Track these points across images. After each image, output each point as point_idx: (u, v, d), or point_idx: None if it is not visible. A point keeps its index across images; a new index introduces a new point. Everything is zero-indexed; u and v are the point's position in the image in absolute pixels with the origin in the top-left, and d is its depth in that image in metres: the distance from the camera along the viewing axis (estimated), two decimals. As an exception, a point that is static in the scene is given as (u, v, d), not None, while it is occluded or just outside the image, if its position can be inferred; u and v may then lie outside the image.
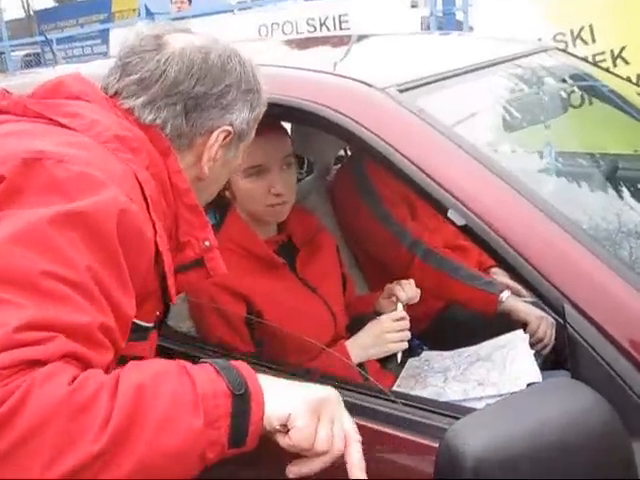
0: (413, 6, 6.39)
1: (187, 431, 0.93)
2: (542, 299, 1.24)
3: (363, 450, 1.10)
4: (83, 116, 1.23)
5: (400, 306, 1.90)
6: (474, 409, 1.39)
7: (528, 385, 1.56)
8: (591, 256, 1.23)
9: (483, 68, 1.85)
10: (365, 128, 1.41)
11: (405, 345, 1.86)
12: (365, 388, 1.45)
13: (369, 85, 1.52)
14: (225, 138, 1.34)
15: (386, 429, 1.33)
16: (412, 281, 1.95)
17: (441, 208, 1.33)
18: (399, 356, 1.89)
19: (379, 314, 1.96)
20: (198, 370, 1.00)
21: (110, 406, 0.89)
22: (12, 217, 0.99)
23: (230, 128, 1.34)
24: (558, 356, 2.02)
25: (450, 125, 1.46)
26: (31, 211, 1.00)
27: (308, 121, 1.55)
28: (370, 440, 1.19)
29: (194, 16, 7.42)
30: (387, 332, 1.85)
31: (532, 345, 1.87)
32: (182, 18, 7.15)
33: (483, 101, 1.90)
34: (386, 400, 1.37)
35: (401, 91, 1.51)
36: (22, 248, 0.95)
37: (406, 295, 1.92)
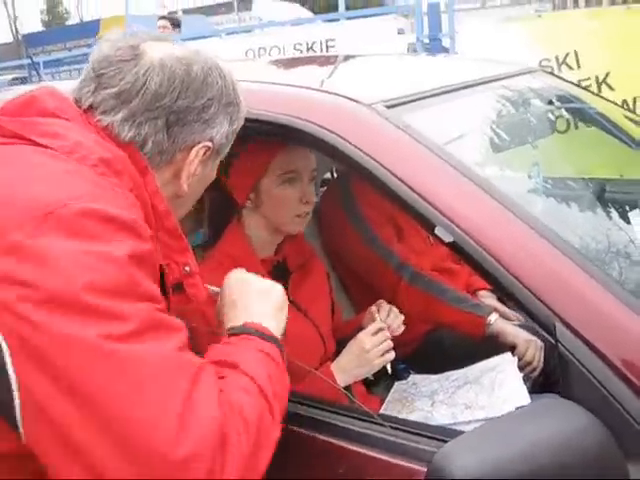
0: (400, 32, 6.44)
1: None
2: (532, 317, 1.21)
3: (349, 475, 1.07)
4: (64, 136, 1.17)
5: (377, 316, 1.85)
6: (462, 432, 1.36)
7: (516, 409, 1.52)
8: (583, 273, 1.21)
9: (470, 87, 1.84)
10: (351, 144, 1.39)
11: (392, 356, 1.81)
12: (352, 411, 1.42)
13: (355, 101, 1.50)
14: (205, 153, 1.30)
15: (374, 453, 1.29)
16: (394, 309, 1.90)
17: (428, 225, 1.30)
18: (388, 367, 1.85)
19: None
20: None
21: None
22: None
23: (210, 143, 1.30)
24: (547, 379, 2.00)
25: (437, 141, 1.44)
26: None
27: (293, 138, 1.52)
28: (357, 465, 1.15)
29: (182, 40, 7.43)
30: (367, 350, 1.80)
31: (521, 368, 1.85)
32: (171, 42, 7.15)
33: (470, 119, 1.89)
34: (374, 423, 1.34)
35: (388, 107, 1.49)
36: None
37: (385, 314, 1.87)
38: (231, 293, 1.37)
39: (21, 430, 0.96)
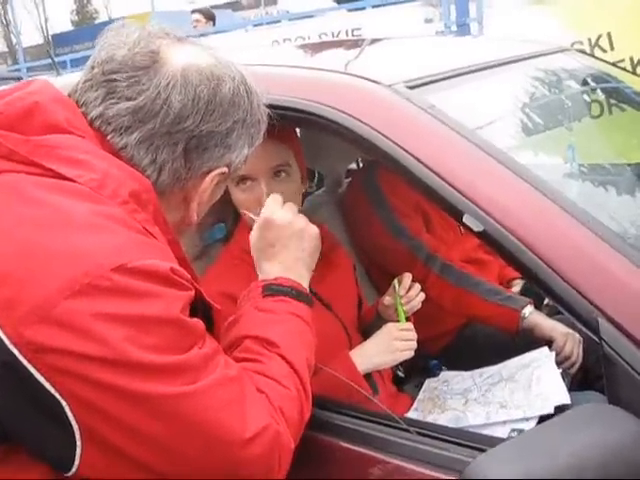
0: (427, 21, 6.33)
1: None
2: (573, 313, 1.11)
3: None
4: (91, 166, 1.05)
5: (397, 288, 1.82)
6: (497, 438, 1.27)
7: (556, 407, 1.48)
8: (628, 263, 1.10)
9: (499, 66, 1.74)
10: (369, 126, 1.29)
11: (412, 354, 1.76)
12: (374, 415, 1.35)
13: (375, 81, 1.40)
14: (219, 179, 1.20)
15: (398, 461, 1.22)
16: (417, 284, 1.84)
17: (456, 213, 1.21)
18: (400, 372, 1.87)
19: (382, 319, 1.88)
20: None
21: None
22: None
23: (226, 169, 1.20)
24: (587, 375, 1.93)
25: (465, 123, 1.34)
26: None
27: (308, 122, 1.42)
28: (381, 474, 1.07)
29: (209, 34, 7.41)
30: (394, 337, 1.76)
31: (559, 364, 1.79)
32: (202, 35, 7.14)
33: (500, 100, 1.80)
34: (398, 429, 1.26)
35: (410, 87, 1.39)
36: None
37: (405, 288, 1.82)
38: (270, 231, 1.38)
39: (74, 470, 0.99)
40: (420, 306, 1.84)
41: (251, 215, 1.44)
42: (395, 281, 1.84)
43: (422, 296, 1.83)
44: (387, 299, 1.85)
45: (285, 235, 1.37)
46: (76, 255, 0.96)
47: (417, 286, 1.83)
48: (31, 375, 0.93)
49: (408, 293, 1.82)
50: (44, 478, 1.01)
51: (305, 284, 1.36)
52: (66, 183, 1.03)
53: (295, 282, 1.33)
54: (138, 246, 1.01)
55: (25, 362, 0.92)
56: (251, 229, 1.44)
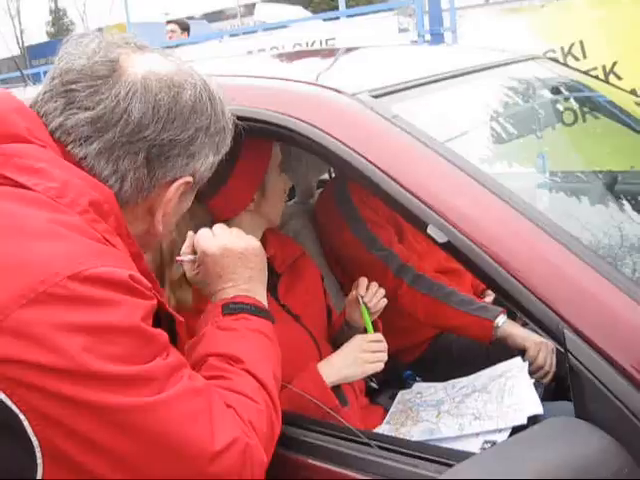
0: (402, 30, 6.34)
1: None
2: (539, 325, 1.09)
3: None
4: (49, 175, 1.03)
5: (362, 303, 1.81)
6: (462, 452, 1.25)
7: (529, 418, 1.47)
8: (594, 273, 1.09)
9: (467, 74, 1.72)
10: (333, 137, 1.27)
11: (381, 366, 1.75)
12: (338, 430, 1.33)
13: (337, 91, 1.39)
14: (184, 189, 1.17)
15: (362, 476, 1.20)
16: (374, 283, 1.86)
17: (420, 224, 1.19)
18: (374, 384, 1.85)
19: (350, 326, 1.89)
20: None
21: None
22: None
23: (191, 178, 1.17)
24: (561, 385, 1.92)
25: (429, 133, 1.32)
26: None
27: (272, 133, 1.40)
28: None
29: (183, 44, 7.39)
30: (363, 350, 1.74)
31: (532, 373, 1.80)
32: (176, 46, 7.12)
33: (467, 108, 1.78)
34: (360, 444, 1.24)
35: (375, 97, 1.37)
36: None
37: (363, 288, 1.83)
38: (214, 264, 1.33)
39: None
40: (385, 302, 1.84)
41: (187, 257, 1.39)
42: (354, 287, 1.85)
43: (383, 292, 1.85)
44: (350, 296, 1.87)
45: (228, 262, 1.33)
46: (31, 263, 0.94)
47: (374, 284, 1.84)
48: None
49: (368, 290, 1.82)
50: None
51: (263, 300, 1.34)
52: (24, 191, 1.01)
53: (254, 299, 1.31)
54: (95, 254, 0.99)
55: None
56: (190, 272, 1.40)
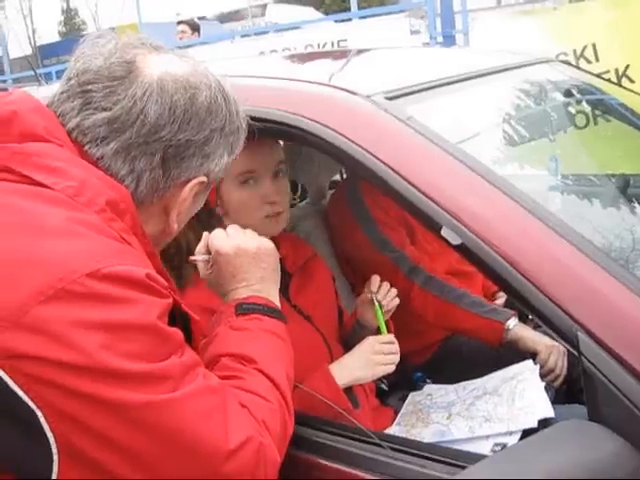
0: (413, 32, 6.33)
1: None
2: (552, 327, 1.09)
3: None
4: (67, 174, 1.04)
5: (377, 303, 1.80)
6: (473, 454, 1.25)
7: (540, 421, 1.46)
8: (608, 276, 1.08)
9: (481, 76, 1.72)
10: (346, 138, 1.27)
11: (393, 368, 1.75)
12: (350, 431, 1.33)
13: (352, 92, 1.39)
14: (198, 189, 1.18)
15: (374, 477, 1.20)
16: (386, 282, 1.85)
17: (434, 226, 1.19)
18: (384, 386, 1.85)
19: (362, 326, 1.88)
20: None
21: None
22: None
23: (206, 178, 1.18)
24: (572, 388, 1.91)
25: (444, 135, 1.32)
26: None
27: (287, 134, 1.40)
28: None
29: (195, 45, 7.40)
30: (375, 351, 1.74)
31: (543, 376, 1.78)
32: (188, 47, 7.13)
33: (481, 110, 1.78)
34: (372, 444, 1.25)
35: (389, 98, 1.37)
36: None
37: (376, 286, 1.83)
38: (227, 264, 1.33)
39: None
40: (397, 302, 1.84)
41: (201, 257, 1.39)
42: (366, 286, 1.84)
43: (395, 291, 1.84)
44: (362, 296, 1.86)
45: (241, 262, 1.33)
46: (50, 261, 0.95)
47: (386, 283, 1.84)
48: (4, 383, 0.91)
49: (380, 290, 1.82)
50: None
51: (276, 300, 1.35)
52: (42, 190, 1.02)
53: (266, 299, 1.32)
54: (113, 252, 1.00)
55: None
56: (204, 271, 1.40)
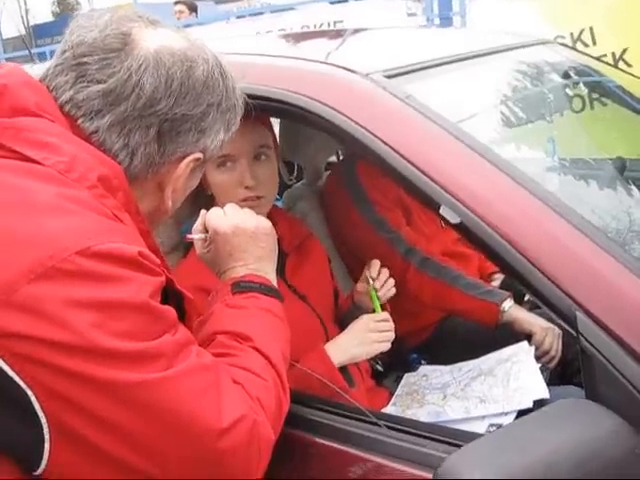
0: (410, 14, 6.30)
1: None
2: (550, 307, 1.09)
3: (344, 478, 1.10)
4: (58, 149, 1.02)
5: (372, 282, 1.81)
6: (471, 433, 1.26)
7: (535, 402, 1.47)
8: (607, 256, 1.08)
9: (479, 56, 1.72)
10: (345, 116, 1.27)
11: (389, 345, 1.76)
12: (346, 409, 1.33)
13: (351, 70, 1.38)
14: (194, 165, 1.17)
15: (369, 456, 1.20)
16: (386, 269, 1.84)
17: (433, 205, 1.18)
18: (379, 367, 1.85)
19: (358, 307, 1.88)
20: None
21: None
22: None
23: (201, 155, 1.17)
24: (566, 369, 1.93)
25: (442, 113, 1.32)
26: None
27: (284, 112, 1.40)
28: (351, 468, 1.10)
29: (189, 25, 7.35)
30: (370, 329, 1.75)
31: (538, 358, 1.80)
32: (186, 27, 7.09)
33: (479, 90, 1.77)
34: (368, 423, 1.25)
35: (387, 77, 1.37)
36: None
37: (375, 270, 1.82)
38: (225, 243, 1.33)
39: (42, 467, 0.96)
40: (394, 292, 1.84)
41: (199, 235, 1.39)
42: (366, 269, 1.84)
43: (392, 281, 1.84)
44: (360, 285, 1.85)
45: (239, 241, 1.33)
46: (40, 238, 0.94)
47: (385, 271, 1.83)
48: None
49: (379, 277, 1.81)
50: (14, 477, 0.98)
51: (273, 279, 1.34)
52: (32, 166, 1.01)
53: (263, 278, 1.31)
54: (104, 229, 0.98)
55: None
56: (201, 249, 1.40)
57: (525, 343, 1.76)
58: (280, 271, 1.80)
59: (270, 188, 1.81)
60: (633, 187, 1.94)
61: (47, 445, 0.93)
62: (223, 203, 1.61)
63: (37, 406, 0.92)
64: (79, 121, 1.08)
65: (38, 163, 1.01)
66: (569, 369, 1.92)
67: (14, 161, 1.01)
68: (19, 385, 0.91)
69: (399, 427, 1.22)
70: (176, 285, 1.11)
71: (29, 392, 0.91)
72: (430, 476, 0.95)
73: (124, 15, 1.13)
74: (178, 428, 0.98)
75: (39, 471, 0.95)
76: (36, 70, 1.45)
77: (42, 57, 7.95)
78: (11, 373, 0.90)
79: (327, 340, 1.79)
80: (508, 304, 2.03)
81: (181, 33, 1.18)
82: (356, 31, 2.31)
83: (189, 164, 1.16)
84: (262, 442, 1.07)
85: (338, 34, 2.34)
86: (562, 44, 2.87)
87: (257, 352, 1.17)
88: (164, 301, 1.04)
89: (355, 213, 2.24)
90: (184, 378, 0.99)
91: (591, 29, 4.63)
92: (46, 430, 0.93)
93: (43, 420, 0.92)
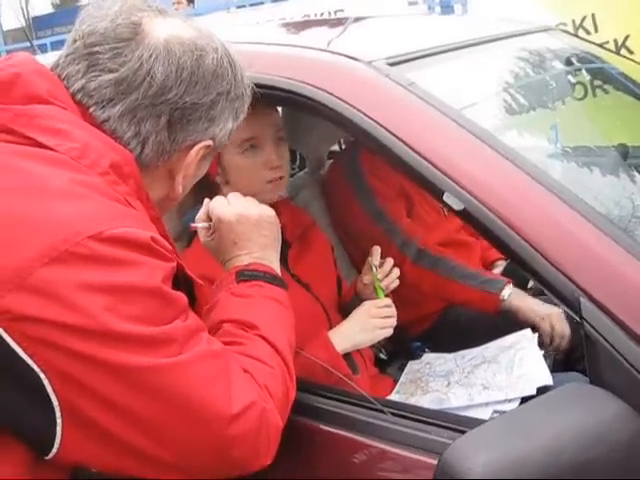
0: (411, 3, 6.28)
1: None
2: (554, 293, 1.09)
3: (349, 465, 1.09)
4: (70, 135, 1.04)
5: (375, 269, 1.81)
6: (476, 419, 1.26)
7: (538, 389, 1.47)
8: (611, 242, 1.08)
9: (482, 44, 1.72)
10: (348, 104, 1.27)
11: (391, 331, 1.77)
12: (351, 397, 1.33)
13: (354, 58, 1.38)
14: (204, 152, 1.18)
15: (375, 443, 1.20)
16: (390, 258, 1.85)
17: (437, 192, 1.18)
18: (382, 355, 1.87)
19: (359, 298, 1.88)
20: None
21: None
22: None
23: (211, 142, 1.18)
24: (569, 356, 1.92)
25: (446, 101, 1.32)
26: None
27: (287, 100, 1.40)
28: (357, 455, 1.11)
29: (191, 15, 7.34)
30: (372, 315, 1.75)
31: (541, 345, 1.77)
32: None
33: (482, 77, 1.76)
34: (374, 410, 1.25)
35: (391, 64, 1.37)
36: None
37: (378, 257, 1.83)
38: (229, 231, 1.33)
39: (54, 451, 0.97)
40: (397, 282, 1.84)
41: (202, 224, 1.39)
42: (369, 257, 1.84)
43: (397, 271, 1.84)
44: (366, 278, 1.85)
45: (243, 230, 1.33)
46: (54, 222, 0.95)
47: (390, 260, 1.84)
48: (7, 345, 0.91)
49: (383, 267, 1.82)
50: (24, 461, 0.99)
51: (277, 268, 1.35)
52: (45, 151, 1.02)
53: (268, 266, 1.32)
54: (117, 214, 1.00)
55: (0, 331, 0.90)
56: (205, 238, 1.41)
57: (528, 330, 1.76)
58: (283, 260, 1.80)
59: (288, 169, 1.87)
60: (636, 173, 1.94)
61: (59, 429, 0.94)
62: (246, 189, 1.65)
63: (49, 389, 0.93)
64: (91, 109, 1.10)
65: (51, 149, 1.02)
66: (572, 356, 1.91)
67: (27, 147, 1.03)
68: (32, 368, 0.92)
69: (404, 414, 1.23)
70: (187, 271, 1.12)
71: (42, 375, 0.92)
72: (435, 462, 0.95)
73: (133, 5, 1.15)
74: (189, 413, 0.99)
75: (51, 455, 0.96)
76: (40, 61, 1.45)
77: (43, 49, 7.94)
78: (24, 356, 0.91)
79: (330, 328, 1.79)
80: (507, 292, 2.02)
81: (190, 22, 1.19)
82: (358, 19, 2.30)
83: (199, 151, 1.17)
84: (271, 429, 1.08)
85: (340, 22, 2.33)
86: (564, 31, 2.86)
87: (263, 340, 1.18)
88: (174, 287, 1.05)
89: (355, 203, 2.24)
90: (195, 364, 1.00)
91: (593, 16, 4.60)
92: (58, 414, 0.94)
93: (55, 403, 0.93)
